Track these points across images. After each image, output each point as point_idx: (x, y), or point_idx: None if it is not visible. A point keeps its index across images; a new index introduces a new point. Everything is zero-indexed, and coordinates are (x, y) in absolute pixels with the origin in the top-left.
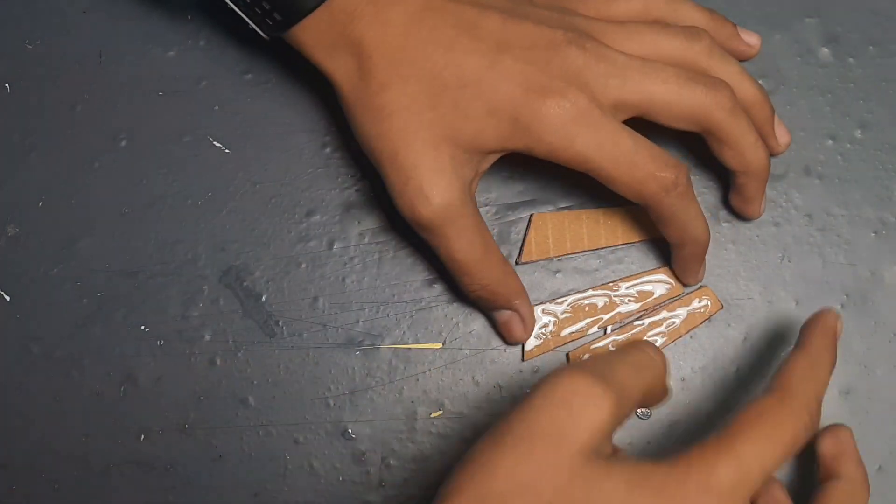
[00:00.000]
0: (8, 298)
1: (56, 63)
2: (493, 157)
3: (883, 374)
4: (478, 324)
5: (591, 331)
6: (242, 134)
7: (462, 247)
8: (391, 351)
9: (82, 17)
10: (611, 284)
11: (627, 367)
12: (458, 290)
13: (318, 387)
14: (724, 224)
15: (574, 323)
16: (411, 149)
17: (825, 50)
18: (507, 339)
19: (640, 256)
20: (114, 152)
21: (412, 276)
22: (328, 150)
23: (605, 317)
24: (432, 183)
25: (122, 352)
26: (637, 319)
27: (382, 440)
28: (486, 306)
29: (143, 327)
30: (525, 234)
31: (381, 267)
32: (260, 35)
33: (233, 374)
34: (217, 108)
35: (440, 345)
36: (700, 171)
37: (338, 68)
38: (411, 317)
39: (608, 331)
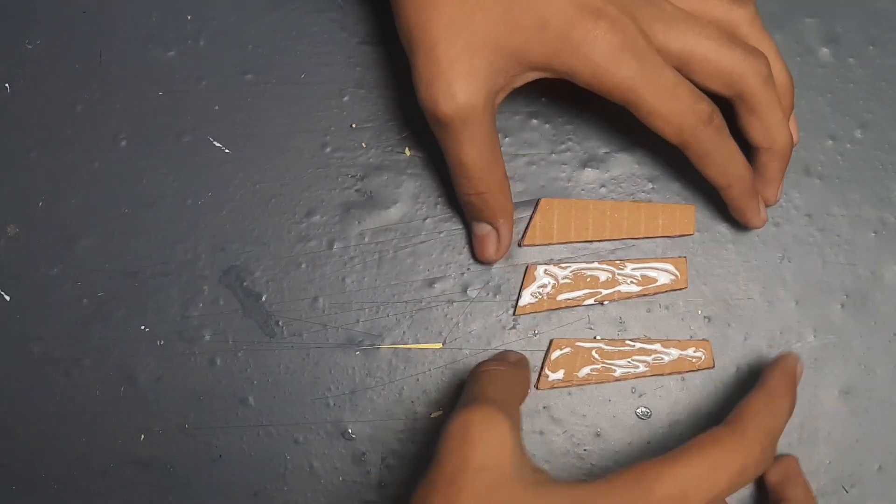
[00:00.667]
0: (8, 298)
1: (56, 63)
2: (530, 77)
3: (883, 374)
4: (478, 324)
5: (587, 301)
6: (242, 134)
7: (471, 150)
8: (391, 351)
9: (82, 17)
10: (617, 262)
11: (506, 385)
12: (458, 291)
13: (318, 387)
14: (724, 224)
15: (572, 290)
16: (451, 45)
17: (825, 50)
18: (477, 254)
19: (640, 257)
20: (114, 152)
21: (412, 276)
22: (328, 150)
23: (605, 291)
24: (463, 82)
25: (122, 352)
26: (630, 340)
27: (382, 440)
28: (471, 214)
29: (143, 327)
30: (531, 218)
31: (381, 267)
32: None
33: (232, 374)
34: (217, 108)
35: (440, 345)
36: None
37: None
38: (411, 317)
39: (604, 304)
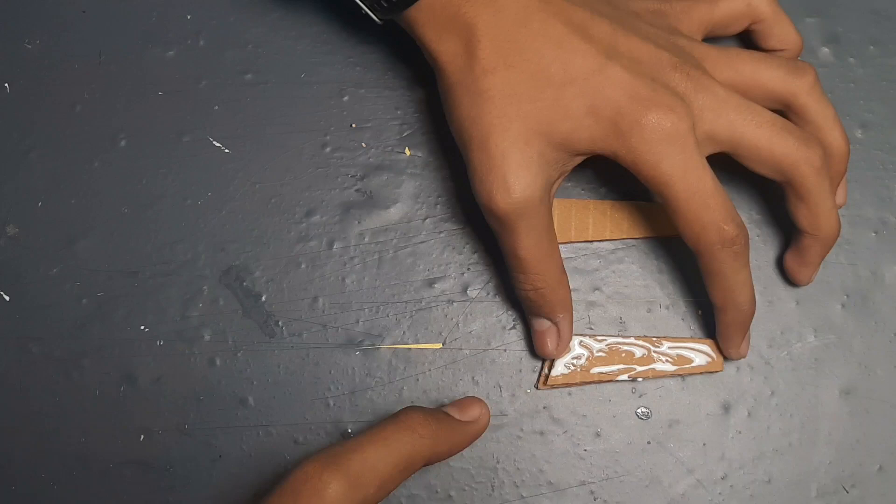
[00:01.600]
0: (8, 298)
1: (56, 63)
2: (578, 160)
3: (883, 374)
4: (478, 324)
5: (620, 377)
6: (242, 134)
7: (528, 244)
8: (391, 351)
9: (82, 17)
10: (654, 339)
11: (375, 444)
12: (458, 291)
13: (318, 387)
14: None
15: (607, 364)
16: (504, 137)
17: (825, 50)
18: (537, 349)
19: (640, 258)
20: (114, 152)
21: (412, 276)
22: (328, 150)
23: (639, 368)
24: (517, 175)
25: (121, 352)
26: (635, 338)
27: None
28: (530, 310)
29: (143, 327)
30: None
31: (381, 267)
32: (373, 19)
33: (232, 374)
34: (217, 108)
35: (440, 345)
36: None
37: (446, 50)
38: (411, 317)
39: (637, 381)
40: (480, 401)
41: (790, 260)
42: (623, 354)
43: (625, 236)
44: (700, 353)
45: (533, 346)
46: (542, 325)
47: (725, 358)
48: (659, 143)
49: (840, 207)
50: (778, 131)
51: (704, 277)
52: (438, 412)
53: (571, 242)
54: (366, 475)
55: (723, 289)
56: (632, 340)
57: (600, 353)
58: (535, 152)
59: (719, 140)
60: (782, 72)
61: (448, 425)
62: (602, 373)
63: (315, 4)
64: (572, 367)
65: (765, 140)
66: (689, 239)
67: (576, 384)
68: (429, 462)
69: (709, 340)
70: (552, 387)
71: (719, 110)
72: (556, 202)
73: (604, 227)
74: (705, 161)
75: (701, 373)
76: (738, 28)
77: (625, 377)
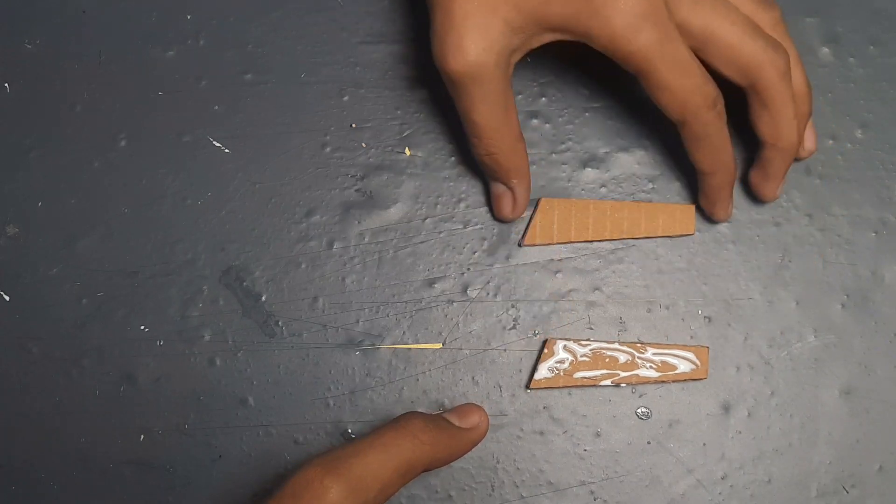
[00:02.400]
0: (8, 298)
1: (56, 63)
2: (546, 38)
3: (883, 374)
4: (478, 324)
5: (603, 381)
6: (242, 134)
7: (482, 110)
8: (391, 351)
9: (82, 17)
10: (638, 345)
11: (376, 449)
12: (458, 291)
13: (318, 387)
14: (725, 224)
15: (590, 369)
16: (468, 1)
17: (825, 49)
18: (494, 213)
19: (640, 258)
20: (114, 152)
21: (412, 276)
22: (328, 149)
23: (622, 374)
24: (474, 38)
25: (121, 352)
26: (625, 343)
27: None
28: (486, 173)
29: (143, 327)
30: (531, 218)
31: (381, 267)
32: None
33: (232, 374)
34: (217, 108)
35: (440, 345)
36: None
37: None
38: (411, 317)
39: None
40: (479, 408)
41: (754, 175)
42: (607, 360)
43: (625, 236)
44: (684, 360)
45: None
46: (497, 188)
47: (713, 221)
48: (635, 17)
49: (809, 155)
50: (750, 31)
51: (691, 145)
52: (439, 418)
53: (572, 242)
54: (366, 480)
55: (711, 151)
56: (616, 346)
57: (584, 358)
58: (499, 19)
59: (691, 31)
60: (752, 5)
61: (448, 432)
62: (585, 377)
63: (315, 4)
64: (556, 371)
65: (736, 38)
66: (674, 108)
67: (559, 387)
68: (428, 468)
69: (693, 348)
70: (536, 388)
71: (696, 1)
72: (556, 202)
73: (604, 227)
74: (677, 31)
75: (685, 380)
76: None
77: (607, 382)
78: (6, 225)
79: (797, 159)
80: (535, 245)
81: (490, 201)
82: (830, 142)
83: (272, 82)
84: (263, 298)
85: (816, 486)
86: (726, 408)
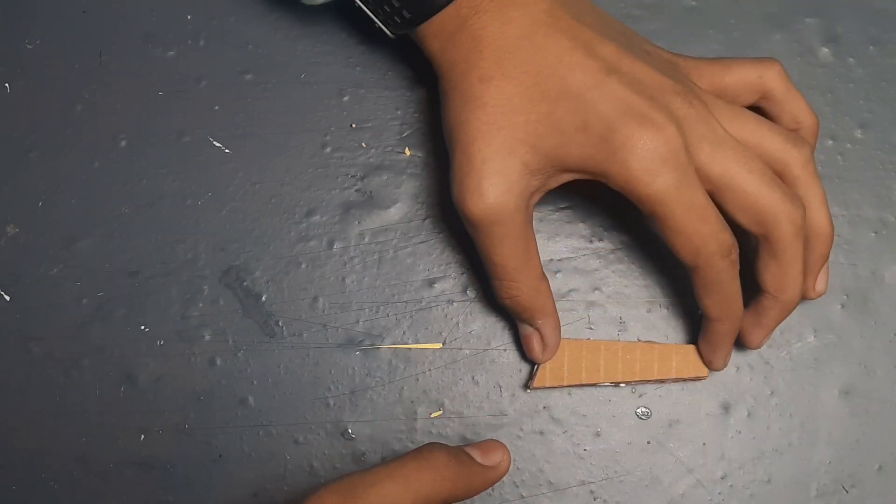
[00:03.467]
0: (8, 298)
1: (56, 63)
2: (564, 178)
3: (883, 374)
4: (478, 324)
5: (604, 382)
6: (242, 134)
7: (502, 251)
8: (391, 351)
9: (82, 17)
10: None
11: (394, 480)
12: (458, 291)
13: (318, 387)
14: None
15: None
16: (487, 144)
17: (825, 50)
18: (526, 352)
19: (640, 258)
20: (114, 152)
21: (412, 276)
22: (328, 149)
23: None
24: (493, 182)
25: (122, 352)
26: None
27: (382, 440)
28: (512, 316)
29: (143, 327)
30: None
31: (381, 267)
32: (385, 34)
33: (232, 374)
34: (217, 108)
35: (440, 345)
36: None
37: (449, 58)
38: (411, 317)
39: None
40: (503, 446)
41: (747, 318)
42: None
43: (638, 378)
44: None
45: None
46: (524, 329)
47: (713, 369)
48: (652, 161)
49: (818, 296)
50: (768, 182)
51: (701, 290)
52: (461, 453)
53: (582, 385)
54: None
55: (721, 299)
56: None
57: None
58: (517, 161)
59: (709, 176)
60: (782, 139)
61: (470, 468)
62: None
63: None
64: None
65: (754, 187)
66: (688, 253)
67: (561, 387)
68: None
69: (694, 346)
70: (543, 386)
71: (717, 145)
72: (566, 343)
73: (616, 369)
74: (696, 176)
75: (686, 379)
76: (747, 99)
77: (608, 383)
78: (6, 225)
79: (806, 299)
80: (544, 388)
81: (520, 342)
82: (830, 142)
83: (272, 82)
84: (263, 298)
85: (816, 485)
86: (726, 408)
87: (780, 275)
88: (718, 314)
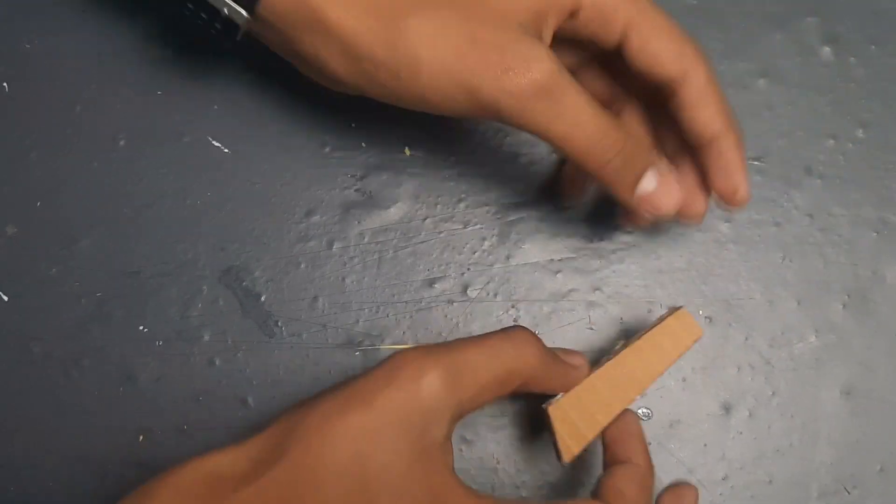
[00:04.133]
0: (7, 298)
1: (56, 63)
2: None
3: (884, 374)
4: (478, 324)
5: (628, 404)
6: (242, 134)
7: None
8: (391, 351)
9: (82, 17)
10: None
11: (479, 348)
12: (458, 291)
13: (318, 387)
14: (725, 224)
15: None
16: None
17: (826, 49)
18: (656, 207)
19: (640, 258)
20: (114, 152)
21: (412, 276)
22: (328, 149)
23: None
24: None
25: (121, 352)
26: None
27: None
28: (622, 179)
29: (142, 327)
30: (552, 432)
31: (381, 267)
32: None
33: (232, 374)
34: (217, 108)
35: None
36: None
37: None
38: (411, 317)
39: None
40: (582, 355)
41: (720, 182)
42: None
43: (649, 383)
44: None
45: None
46: (649, 183)
47: (732, 205)
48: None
49: (741, 204)
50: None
51: (695, 107)
52: (544, 344)
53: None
54: (465, 377)
55: (720, 101)
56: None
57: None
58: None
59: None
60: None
61: (552, 358)
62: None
63: None
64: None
65: (674, 26)
66: (671, 59)
67: (598, 436)
68: (523, 387)
69: (669, 313)
70: (573, 459)
71: None
72: (563, 403)
73: (624, 393)
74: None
75: (688, 348)
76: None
77: (632, 401)
78: (6, 225)
79: (727, 209)
80: (580, 452)
81: (623, 215)
82: (831, 142)
83: (272, 82)
84: (263, 298)
85: (817, 486)
86: (727, 408)
87: (720, 110)
88: (725, 121)
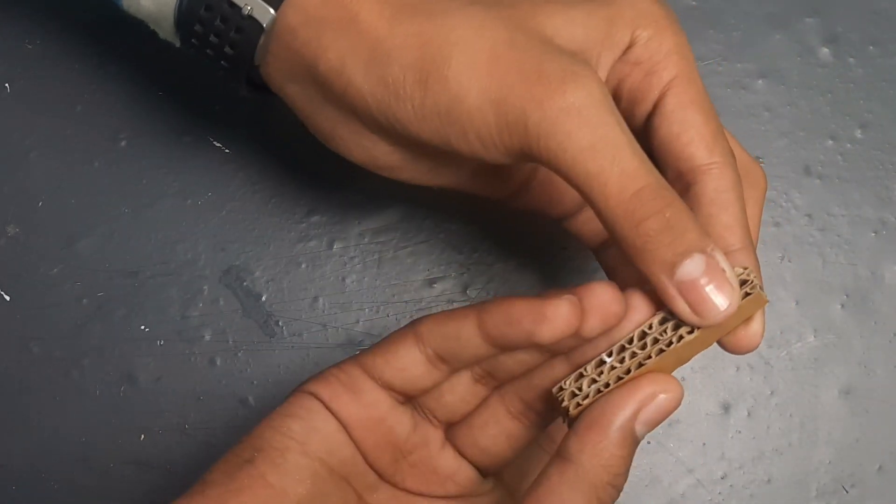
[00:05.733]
0: (8, 298)
1: (56, 63)
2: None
3: (883, 374)
4: None
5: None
6: (242, 134)
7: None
8: None
9: (82, 17)
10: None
11: None
12: (458, 291)
13: None
14: None
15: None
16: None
17: (825, 50)
18: (698, 316)
19: None
20: (114, 152)
21: (412, 276)
22: (328, 149)
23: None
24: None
25: (122, 352)
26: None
27: None
28: (660, 259)
29: (143, 327)
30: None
31: (381, 267)
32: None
33: (233, 374)
34: (217, 108)
35: None
36: None
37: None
38: (411, 317)
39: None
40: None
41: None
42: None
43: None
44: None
45: None
46: (695, 267)
47: (752, 344)
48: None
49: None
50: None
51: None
52: None
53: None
54: None
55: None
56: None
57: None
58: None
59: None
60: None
61: None
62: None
63: None
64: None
65: (714, 113)
66: (704, 145)
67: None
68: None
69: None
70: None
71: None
72: None
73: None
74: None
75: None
76: None
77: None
78: (6, 225)
79: (732, 351)
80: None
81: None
82: (830, 142)
83: None
84: (263, 298)
85: (816, 485)
86: (726, 407)
87: (739, 218)
88: (741, 236)
